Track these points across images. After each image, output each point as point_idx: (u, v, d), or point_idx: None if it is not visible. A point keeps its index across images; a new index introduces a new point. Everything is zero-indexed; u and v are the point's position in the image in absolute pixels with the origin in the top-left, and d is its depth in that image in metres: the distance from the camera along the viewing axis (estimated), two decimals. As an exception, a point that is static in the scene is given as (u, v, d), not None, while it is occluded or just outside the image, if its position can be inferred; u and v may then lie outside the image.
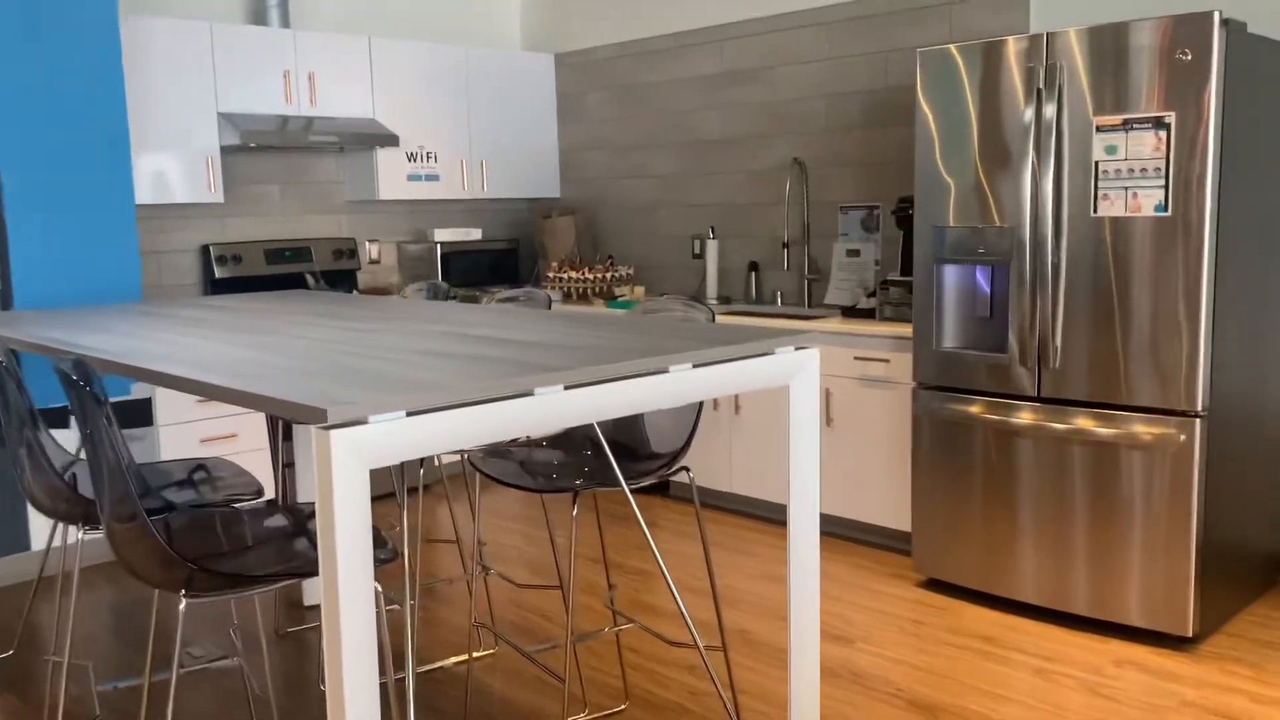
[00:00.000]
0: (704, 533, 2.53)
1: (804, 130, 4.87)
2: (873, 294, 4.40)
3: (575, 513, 2.39)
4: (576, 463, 2.61)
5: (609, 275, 5.25)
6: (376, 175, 5.25)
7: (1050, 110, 3.22)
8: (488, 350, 2.05)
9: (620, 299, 5.14)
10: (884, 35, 4.54)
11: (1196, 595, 3.12)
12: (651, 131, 5.53)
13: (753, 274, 5.10)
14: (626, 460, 2.59)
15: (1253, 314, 3.32)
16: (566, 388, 1.76)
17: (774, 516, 4.58)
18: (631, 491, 3.19)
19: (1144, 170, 3.07)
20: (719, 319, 4.51)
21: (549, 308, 3.23)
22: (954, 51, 3.45)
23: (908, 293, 4.10)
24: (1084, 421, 3.26)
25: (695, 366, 1.96)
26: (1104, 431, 3.22)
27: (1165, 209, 3.05)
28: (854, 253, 4.72)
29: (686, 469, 2.52)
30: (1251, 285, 3.29)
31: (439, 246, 5.47)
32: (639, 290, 5.26)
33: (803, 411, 2.18)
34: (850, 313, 4.36)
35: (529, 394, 1.70)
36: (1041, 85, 3.25)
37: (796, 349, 2.18)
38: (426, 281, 3.71)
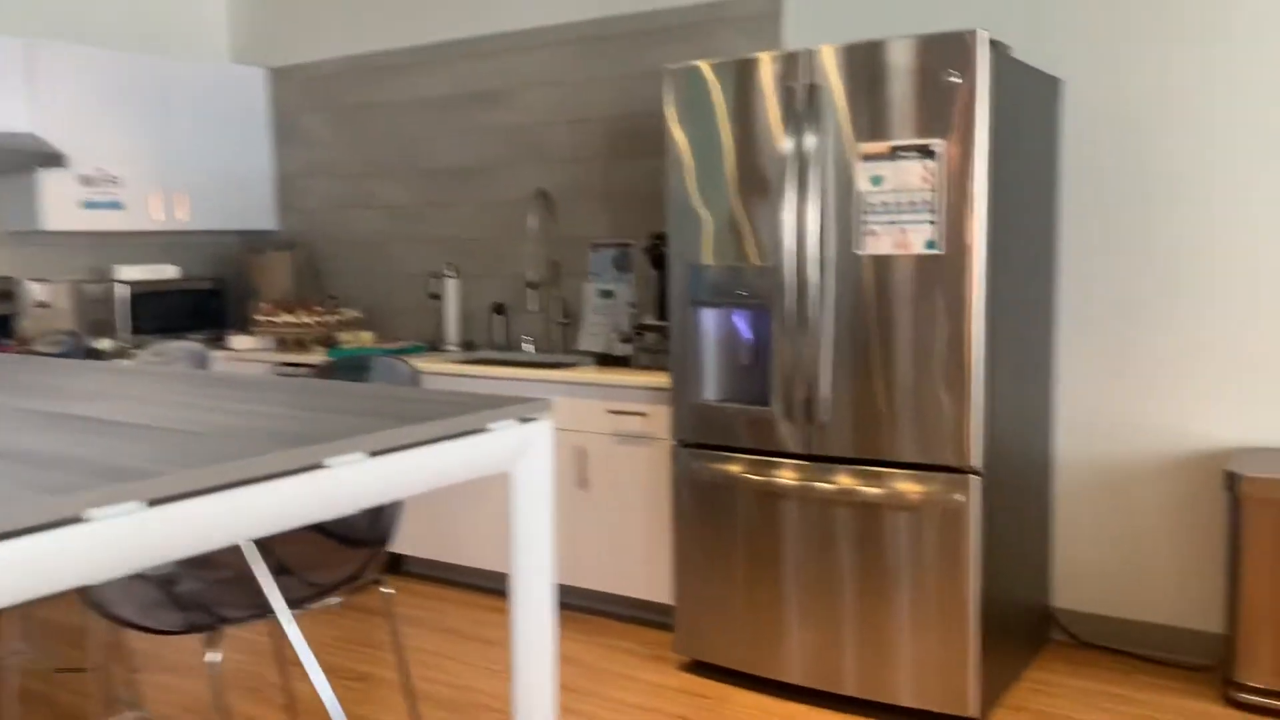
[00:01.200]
0: (401, 652, 1.96)
1: (548, 159, 4.41)
2: (628, 339, 3.98)
3: (218, 659, 1.77)
4: (238, 580, 1.99)
5: (332, 319, 4.58)
6: (39, 201, 4.36)
7: (811, 136, 2.90)
8: (60, 444, 1.42)
9: (345, 346, 4.48)
10: (629, 57, 4.16)
11: (977, 670, 2.83)
12: (381, 157, 4.93)
13: (498, 317, 4.58)
14: (304, 567, 1.99)
15: (1021, 359, 3.11)
16: (151, 503, 1.16)
17: (523, 591, 4.04)
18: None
19: (912, 203, 2.79)
20: (440, 371, 3.95)
21: (204, 365, 2.58)
22: (705, 70, 3.08)
23: (664, 338, 3.69)
24: (853, 481, 2.93)
25: (373, 455, 1.41)
26: (874, 492, 2.90)
27: (936, 246, 2.77)
28: (607, 294, 4.30)
29: (387, 579, 1.95)
30: (1021, 329, 3.08)
31: (122, 286, 4.62)
32: (367, 336, 4.62)
33: (531, 505, 1.67)
34: (605, 360, 3.91)
35: (77, 520, 1.10)
36: (801, 108, 2.92)
37: (522, 421, 1.66)
38: (65, 332, 2.95)
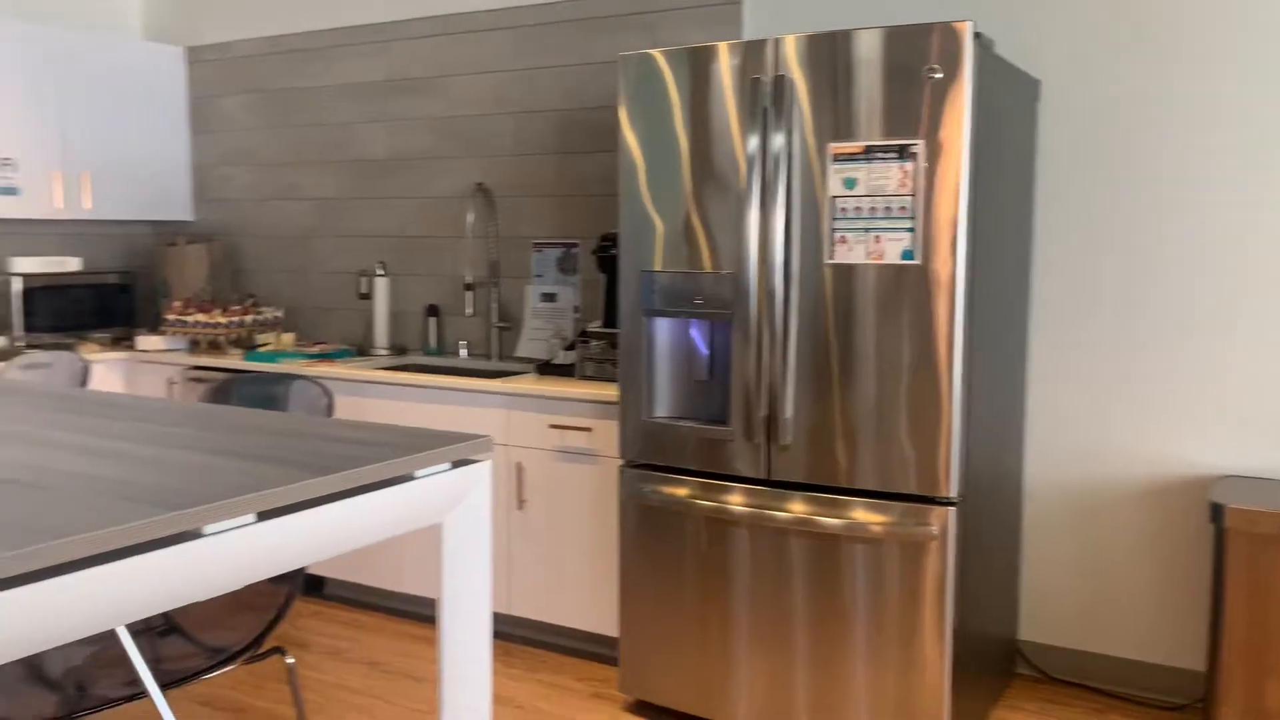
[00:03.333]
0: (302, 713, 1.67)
1: (488, 153, 4.11)
2: (572, 347, 3.70)
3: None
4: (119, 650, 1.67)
5: (249, 319, 4.24)
6: (-77, 185, 3.95)
7: (777, 133, 2.65)
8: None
9: (262, 349, 4.14)
10: (578, 46, 3.88)
11: (948, 712, 2.61)
12: (306, 146, 4.58)
13: (432, 320, 4.27)
14: (196, 626, 1.68)
15: (996, 378, 2.90)
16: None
17: (454, 617, 3.74)
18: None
19: (888, 209, 2.55)
20: (368, 378, 3.63)
21: (83, 379, 2.25)
22: (659, 59, 2.82)
23: (611, 347, 3.42)
24: (818, 510, 2.69)
25: (261, 518, 1.13)
26: (840, 522, 2.66)
27: (913, 255, 2.54)
28: (550, 297, 4.01)
29: (281, 649, 1.65)
30: (996, 346, 2.87)
31: (16, 280, 4.21)
32: (288, 338, 4.28)
33: (465, 559, 1.39)
34: (546, 369, 3.63)
35: None
36: (766, 103, 2.67)
37: (454, 465, 1.38)
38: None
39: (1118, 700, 3.11)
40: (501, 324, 4.10)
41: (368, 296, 4.47)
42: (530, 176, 4.02)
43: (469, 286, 3.97)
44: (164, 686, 1.47)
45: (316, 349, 4.08)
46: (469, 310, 3.99)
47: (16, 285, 4.20)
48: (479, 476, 1.38)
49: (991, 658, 3.02)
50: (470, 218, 3.95)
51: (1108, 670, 3.19)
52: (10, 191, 4.19)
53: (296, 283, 4.67)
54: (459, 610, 1.42)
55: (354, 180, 4.46)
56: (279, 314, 4.36)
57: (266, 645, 1.61)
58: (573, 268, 3.97)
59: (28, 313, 4.24)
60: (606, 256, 3.47)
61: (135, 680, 1.45)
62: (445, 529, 1.36)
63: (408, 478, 1.29)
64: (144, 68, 4.68)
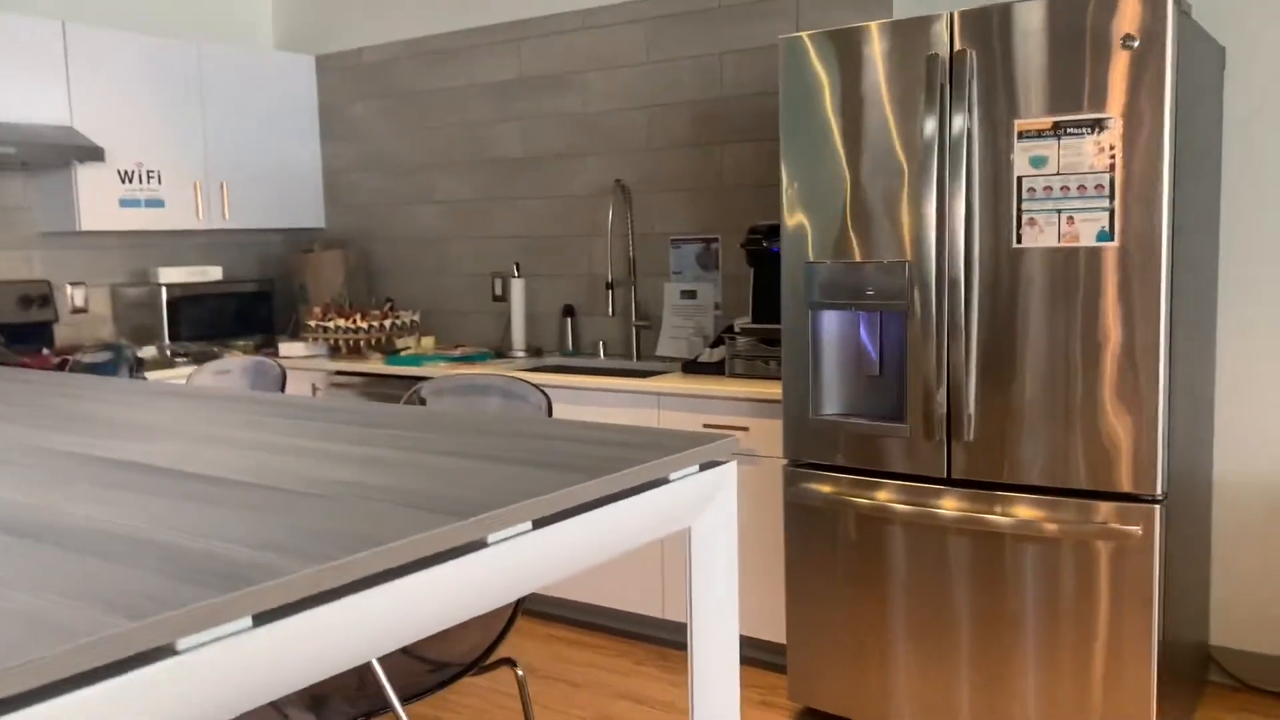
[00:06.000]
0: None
1: (621, 148, 4.05)
2: (716, 344, 3.61)
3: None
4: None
5: (388, 323, 4.24)
6: (77, 199, 4.04)
7: (957, 112, 2.51)
8: (123, 515, 1.07)
9: (404, 353, 4.14)
10: (714, 35, 3.79)
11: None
12: (438, 148, 4.58)
13: (569, 320, 4.22)
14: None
15: (1193, 369, 2.72)
16: (257, 619, 0.81)
17: (603, 624, 3.68)
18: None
19: (1082, 188, 2.40)
20: (530, 378, 3.58)
21: (282, 386, 2.23)
22: (822, 40, 2.70)
23: (761, 343, 3.32)
24: (1009, 509, 2.55)
25: (536, 526, 1.05)
26: (1035, 521, 2.51)
27: (1111, 236, 2.38)
28: (689, 294, 3.93)
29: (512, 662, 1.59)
30: (1193, 334, 2.69)
31: (164, 290, 4.29)
32: (428, 341, 4.28)
33: (715, 567, 1.31)
34: (692, 368, 3.54)
35: (169, 653, 0.75)
36: (943, 80, 2.53)
37: (702, 468, 1.30)
38: (105, 344, 2.61)
39: (1327, 711, 2.89)
40: (640, 323, 4.03)
41: (502, 299, 4.44)
42: (666, 171, 3.94)
43: (610, 286, 3.91)
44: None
45: (459, 352, 4.07)
46: (610, 310, 3.92)
47: (163, 295, 4.28)
48: (726, 478, 1.29)
49: (1188, 664, 2.83)
50: (608, 215, 3.88)
51: (1313, 679, 2.97)
52: (157, 204, 4.27)
53: (431, 286, 4.67)
54: (708, 615, 1.33)
55: (486, 181, 4.44)
56: (416, 317, 4.36)
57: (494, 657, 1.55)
58: (713, 263, 3.88)
59: (172, 321, 4.32)
60: (756, 250, 3.37)
61: (369, 698, 1.40)
62: (695, 534, 1.27)
63: (663, 481, 1.21)
64: (275, 78, 4.74)
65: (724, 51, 3.78)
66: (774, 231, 3.38)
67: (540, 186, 4.28)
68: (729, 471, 1.30)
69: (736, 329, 3.43)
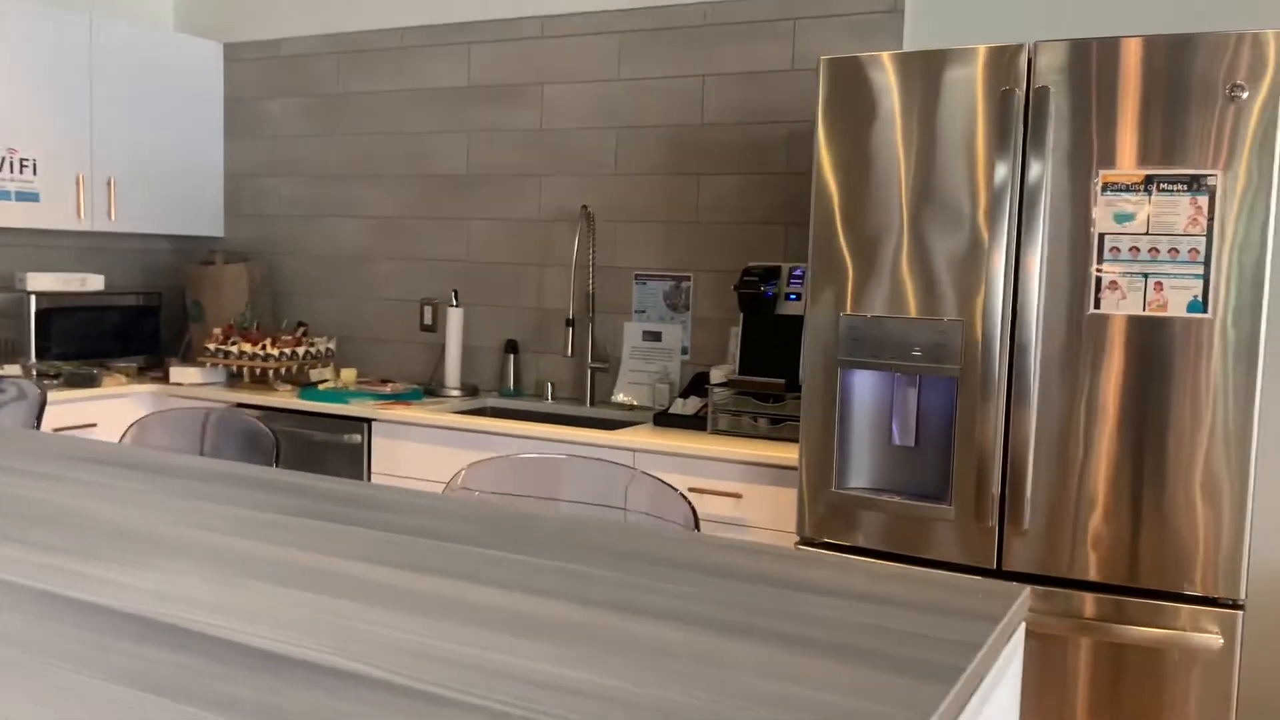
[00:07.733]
0: None
1: (585, 171, 3.64)
2: (687, 394, 3.23)
3: None
4: None
5: (301, 351, 3.70)
6: (-70, 185, 3.37)
7: (1034, 157, 2.22)
8: None
9: (321, 386, 3.60)
10: (696, 55, 3.44)
11: None
12: (365, 157, 4.07)
13: (510, 357, 3.77)
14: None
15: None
16: None
17: None
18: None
19: (1174, 251, 2.13)
20: (459, 420, 3.11)
21: (39, 416, 1.73)
22: (883, 61, 2.38)
23: (752, 398, 2.96)
24: (1069, 609, 2.24)
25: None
26: (1098, 624, 2.22)
27: (1204, 308, 2.12)
28: (653, 335, 3.54)
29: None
30: None
31: (33, 299, 3.63)
32: (348, 374, 3.75)
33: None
34: (665, 419, 3.15)
35: None
36: (1020, 120, 2.24)
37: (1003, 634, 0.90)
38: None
39: (1353, 824, 2.69)
40: (598, 364, 3.62)
41: (432, 329, 3.95)
42: (633, 199, 3.56)
43: (570, 323, 3.48)
44: None
45: (388, 389, 3.56)
46: (570, 349, 3.50)
47: (31, 305, 3.63)
48: (1017, 645, 0.91)
49: (1221, 776, 2.59)
50: (571, 244, 3.47)
51: (1333, 786, 2.77)
52: (30, 197, 3.62)
53: (347, 311, 4.14)
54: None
55: (420, 197, 3.96)
56: (331, 345, 3.83)
57: None
58: (683, 303, 3.50)
59: (41, 336, 3.66)
60: (751, 294, 3.01)
61: None
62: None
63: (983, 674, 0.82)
64: (177, 64, 4.14)
65: (706, 74, 3.44)
66: (771, 274, 3.04)
67: (485, 207, 3.83)
68: (1019, 637, 0.92)
69: (717, 379, 3.07)
